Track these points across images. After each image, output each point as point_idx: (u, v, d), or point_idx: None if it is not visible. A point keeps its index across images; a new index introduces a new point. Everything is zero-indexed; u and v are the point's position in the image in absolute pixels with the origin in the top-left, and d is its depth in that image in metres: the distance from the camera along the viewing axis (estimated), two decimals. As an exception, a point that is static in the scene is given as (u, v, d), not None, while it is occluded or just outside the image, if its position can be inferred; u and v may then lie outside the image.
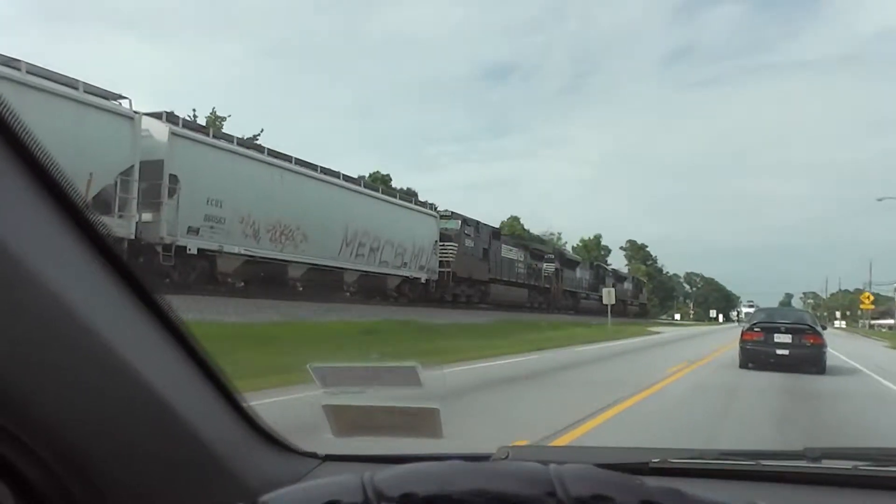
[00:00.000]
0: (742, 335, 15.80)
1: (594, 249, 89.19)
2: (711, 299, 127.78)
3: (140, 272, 0.82)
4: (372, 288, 26.78)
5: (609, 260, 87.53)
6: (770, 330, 15.08)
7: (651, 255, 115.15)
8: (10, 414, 0.72)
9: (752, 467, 1.33)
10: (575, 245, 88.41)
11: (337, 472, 0.67)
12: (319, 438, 1.26)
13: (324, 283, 23.69)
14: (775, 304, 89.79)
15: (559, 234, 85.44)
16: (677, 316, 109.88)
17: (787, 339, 14.84)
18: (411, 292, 28.70)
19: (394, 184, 50.06)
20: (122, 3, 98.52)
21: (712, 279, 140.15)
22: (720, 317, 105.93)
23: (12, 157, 0.67)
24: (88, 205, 0.76)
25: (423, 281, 29.28)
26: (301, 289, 23.74)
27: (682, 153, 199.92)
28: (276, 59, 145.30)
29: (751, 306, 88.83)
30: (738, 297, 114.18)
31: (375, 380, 1.18)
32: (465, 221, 32.91)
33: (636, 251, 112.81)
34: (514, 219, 74.87)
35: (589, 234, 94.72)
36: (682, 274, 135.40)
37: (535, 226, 78.34)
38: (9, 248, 0.66)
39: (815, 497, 1.24)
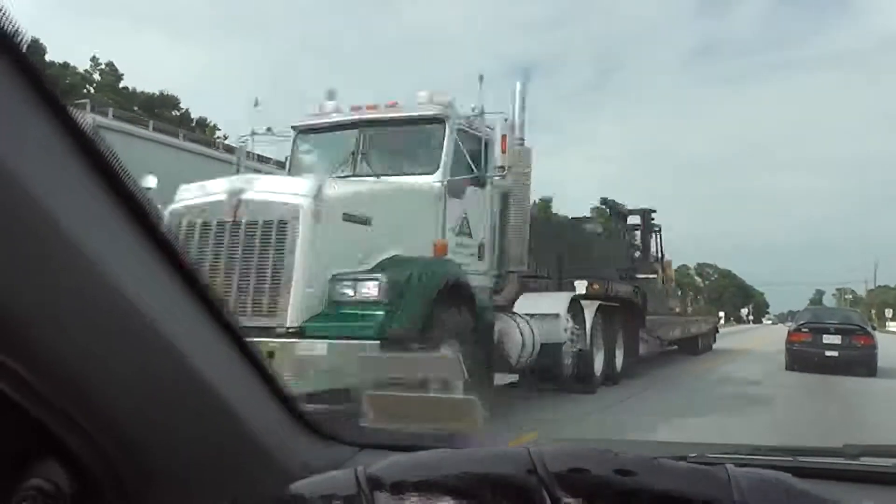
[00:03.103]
0: (788, 336, 15.09)
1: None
2: (727, 295, 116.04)
3: (183, 251, 0.81)
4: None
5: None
6: (818, 330, 14.29)
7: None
8: (66, 395, 0.72)
9: (790, 463, 1.31)
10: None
11: (374, 461, 0.71)
12: (361, 427, 1.29)
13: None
14: (806, 303, 79.78)
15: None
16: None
17: (836, 339, 13.99)
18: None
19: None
20: (145, 1, 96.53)
21: (728, 271, 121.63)
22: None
23: (69, 139, 0.66)
24: (133, 180, 0.73)
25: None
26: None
27: (706, 149, 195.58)
28: (299, 58, 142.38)
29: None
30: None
31: (416, 370, 1.26)
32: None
33: (605, 222, 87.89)
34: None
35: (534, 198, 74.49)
36: (692, 265, 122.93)
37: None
38: (63, 231, 0.64)
39: (854, 494, 1.18)
